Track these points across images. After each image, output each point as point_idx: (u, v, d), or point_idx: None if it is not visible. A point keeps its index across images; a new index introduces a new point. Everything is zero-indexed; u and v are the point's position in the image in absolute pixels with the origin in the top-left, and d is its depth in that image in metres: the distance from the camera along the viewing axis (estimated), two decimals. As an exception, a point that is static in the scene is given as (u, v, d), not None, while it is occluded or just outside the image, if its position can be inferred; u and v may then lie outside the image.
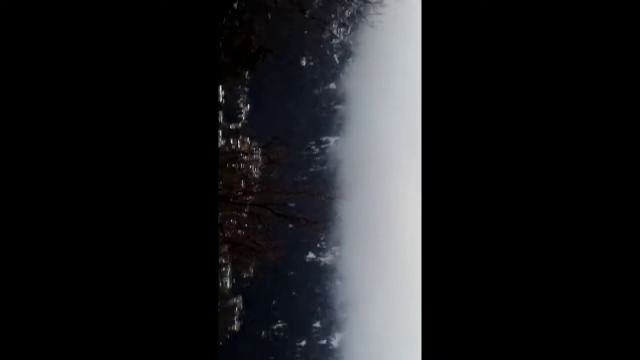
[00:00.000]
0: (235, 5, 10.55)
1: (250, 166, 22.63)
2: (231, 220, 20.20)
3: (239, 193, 19.41)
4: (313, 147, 30.78)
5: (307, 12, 18.38)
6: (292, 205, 20.48)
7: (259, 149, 22.60)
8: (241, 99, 24.96)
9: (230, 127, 24.11)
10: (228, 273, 25.61)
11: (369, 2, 15.95)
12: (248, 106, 25.54)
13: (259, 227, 20.08)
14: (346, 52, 28.33)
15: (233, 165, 21.95)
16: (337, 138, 30.74)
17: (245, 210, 19.43)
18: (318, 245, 30.83)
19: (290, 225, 20.72)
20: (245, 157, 22.40)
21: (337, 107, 30.35)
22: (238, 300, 27.77)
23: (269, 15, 15.89)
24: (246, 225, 20.75)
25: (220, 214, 19.15)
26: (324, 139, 30.78)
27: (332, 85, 29.78)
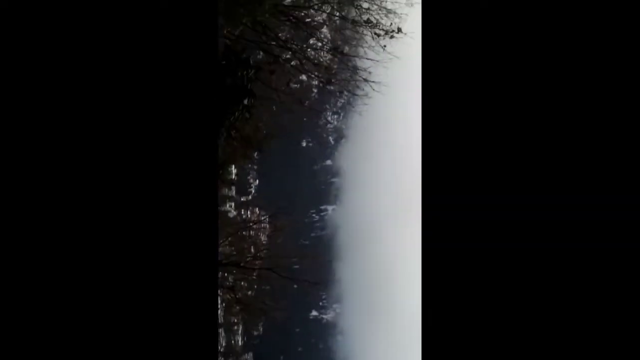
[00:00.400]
0: (246, 101, 11.19)
1: (259, 233, 22.59)
2: (242, 283, 19.78)
3: (249, 258, 19.18)
4: (314, 215, 30.85)
5: (306, 103, 19.30)
6: (297, 267, 20.16)
7: (267, 218, 22.70)
8: (251, 175, 25.45)
9: (242, 199, 24.34)
10: (240, 331, 24.63)
11: (357, 95, 16.82)
12: (257, 181, 25.98)
13: (267, 288, 19.63)
14: (339, 135, 29.30)
15: (244, 233, 21.92)
16: (334, 206, 30.92)
17: (255, 274, 19.09)
18: (320, 303, 29.87)
19: (295, 286, 20.26)
20: (254, 226, 22.37)
21: (334, 180, 30.83)
22: (249, 357, 26.44)
23: (274, 108, 16.72)
24: (255, 287, 20.30)
25: (232, 278, 18.82)
26: (323, 207, 30.94)
27: (329, 162, 30.48)
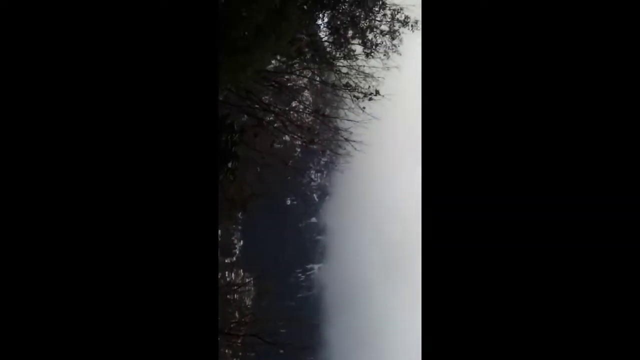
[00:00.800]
0: (230, 164, 11.33)
1: (244, 297, 21.83)
2: (227, 351, 18.81)
3: (233, 324, 18.38)
4: (300, 275, 30.18)
5: (289, 162, 19.65)
6: (283, 331, 19.36)
7: (252, 280, 22.09)
8: (235, 236, 25.04)
9: (226, 261, 23.74)
10: (223, 405, 22.92)
11: (339, 154, 17.26)
12: (241, 242, 25.53)
13: (252, 355, 18.68)
14: (323, 192, 29.59)
15: (228, 296, 21.17)
16: (320, 265, 30.42)
17: (239, 341, 18.22)
18: (309, 369, 28.36)
19: (282, 351, 19.33)
20: (239, 289, 21.68)
21: (319, 237, 30.60)
22: None
23: (258, 168, 16.96)
24: (240, 354, 19.30)
25: (215, 345, 17.88)
26: (309, 266, 30.38)
27: (313, 219, 30.43)
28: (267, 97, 16.65)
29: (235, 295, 21.37)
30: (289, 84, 16.58)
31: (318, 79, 16.39)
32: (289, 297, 28.18)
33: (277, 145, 18.06)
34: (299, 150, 21.05)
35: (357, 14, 12.83)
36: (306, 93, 17.70)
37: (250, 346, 18.31)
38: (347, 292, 28.62)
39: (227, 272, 23.63)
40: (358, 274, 29.27)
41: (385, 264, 28.29)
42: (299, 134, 17.04)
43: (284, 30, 11.72)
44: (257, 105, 15.82)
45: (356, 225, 29.52)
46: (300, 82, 16.93)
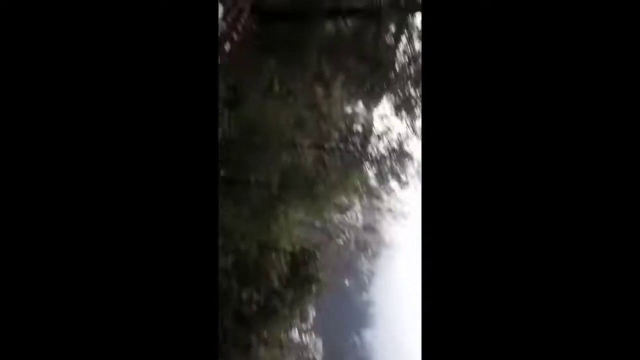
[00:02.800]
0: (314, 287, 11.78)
1: (316, 355, 20.58)
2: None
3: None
4: (355, 338, 28.18)
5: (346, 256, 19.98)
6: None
7: (321, 342, 20.98)
8: (310, 308, 24.51)
9: (304, 327, 23.00)
10: None
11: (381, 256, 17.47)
12: (314, 312, 24.90)
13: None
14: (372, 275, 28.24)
15: (304, 354, 20.02)
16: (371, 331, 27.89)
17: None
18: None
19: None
20: (313, 352, 20.63)
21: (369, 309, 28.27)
22: None
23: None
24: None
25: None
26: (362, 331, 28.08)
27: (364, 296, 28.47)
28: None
29: (309, 355, 20.36)
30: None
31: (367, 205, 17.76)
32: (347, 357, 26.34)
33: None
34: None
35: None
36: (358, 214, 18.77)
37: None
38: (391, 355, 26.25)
39: (303, 335, 22.94)
40: (400, 339, 27.01)
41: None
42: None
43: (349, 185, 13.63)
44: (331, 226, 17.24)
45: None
46: (357, 207, 18.15)
